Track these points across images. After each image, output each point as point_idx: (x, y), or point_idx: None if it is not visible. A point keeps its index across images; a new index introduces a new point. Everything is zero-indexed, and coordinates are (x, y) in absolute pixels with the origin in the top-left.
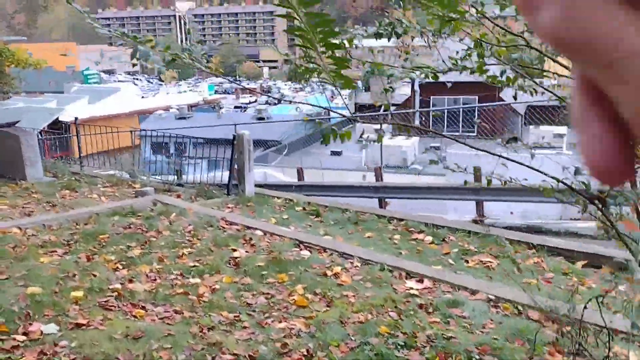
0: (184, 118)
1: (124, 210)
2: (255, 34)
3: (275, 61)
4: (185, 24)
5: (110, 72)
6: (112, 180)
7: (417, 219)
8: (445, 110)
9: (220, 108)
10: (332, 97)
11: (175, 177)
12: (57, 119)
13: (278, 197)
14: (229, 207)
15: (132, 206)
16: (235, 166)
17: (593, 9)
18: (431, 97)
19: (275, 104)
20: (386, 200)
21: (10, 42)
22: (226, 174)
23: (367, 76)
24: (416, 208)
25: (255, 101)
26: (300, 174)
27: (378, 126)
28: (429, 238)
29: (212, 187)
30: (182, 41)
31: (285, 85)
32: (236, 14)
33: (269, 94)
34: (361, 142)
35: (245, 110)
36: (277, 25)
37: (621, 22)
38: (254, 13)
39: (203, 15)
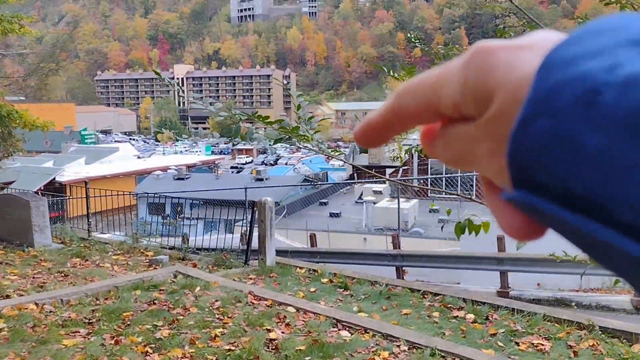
0: (182, 179)
1: (144, 283)
2: (252, 96)
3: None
4: (182, 86)
5: (107, 132)
6: (124, 248)
7: (454, 294)
8: (444, 173)
9: (218, 169)
10: (327, 159)
11: (182, 242)
12: (54, 178)
13: (301, 267)
14: (251, 278)
15: (153, 279)
16: (254, 233)
17: (460, 146)
18: (429, 159)
19: (271, 164)
20: (404, 268)
21: (10, 103)
22: (229, 236)
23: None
24: (430, 276)
25: (252, 161)
26: (313, 240)
27: (377, 187)
28: (471, 316)
29: (229, 255)
30: (179, 103)
31: (280, 146)
32: (234, 77)
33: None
34: (360, 203)
35: (241, 171)
36: (274, 87)
37: (470, 142)
38: (251, 76)
39: (201, 78)
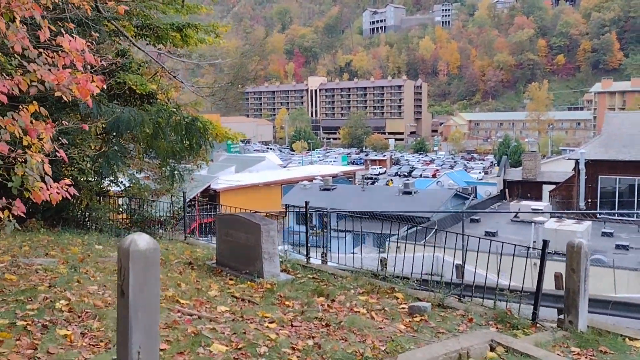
0: (328, 189)
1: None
2: (382, 107)
3: (401, 133)
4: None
5: (246, 142)
6: (364, 285)
7: None
8: (617, 192)
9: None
10: (466, 169)
11: (380, 266)
12: (209, 186)
13: (631, 338)
14: (578, 355)
15: (470, 352)
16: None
17: None
18: (599, 176)
19: (405, 175)
20: None
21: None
22: (426, 259)
23: (501, 149)
24: None
25: (385, 172)
26: (559, 281)
27: (536, 205)
28: None
29: (513, 310)
30: (312, 114)
31: (413, 157)
32: (365, 87)
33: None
34: (517, 221)
35: (376, 182)
36: (405, 98)
37: None
38: (382, 87)
39: (334, 89)
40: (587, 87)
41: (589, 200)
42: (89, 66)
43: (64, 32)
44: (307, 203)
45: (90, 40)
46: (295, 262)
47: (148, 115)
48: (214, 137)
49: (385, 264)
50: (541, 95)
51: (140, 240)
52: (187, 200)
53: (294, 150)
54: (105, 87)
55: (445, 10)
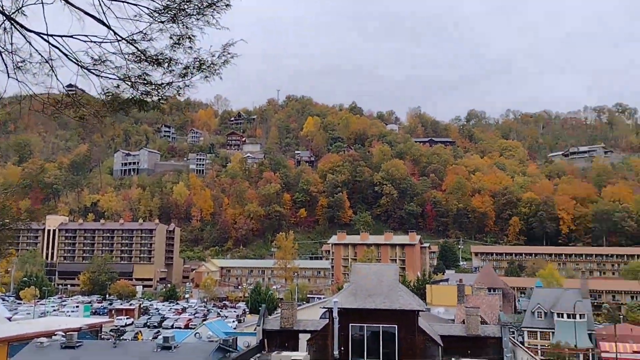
0: (72, 347)
1: None
2: (131, 250)
3: (150, 279)
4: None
5: None
6: None
7: None
8: (366, 339)
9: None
10: (220, 317)
11: None
12: None
13: None
14: None
15: None
16: None
17: None
18: (350, 324)
19: (155, 326)
20: None
21: None
22: None
23: (253, 296)
24: None
25: (132, 323)
26: None
27: (296, 356)
28: None
29: None
30: (47, 256)
31: (163, 305)
32: (112, 230)
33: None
34: None
35: (123, 334)
36: (156, 242)
37: None
38: (132, 230)
39: (76, 230)
40: (325, 238)
41: (342, 348)
42: None
43: None
44: None
45: None
46: None
47: None
48: None
49: None
50: (287, 244)
51: None
52: None
53: (21, 299)
54: None
55: (200, 159)
